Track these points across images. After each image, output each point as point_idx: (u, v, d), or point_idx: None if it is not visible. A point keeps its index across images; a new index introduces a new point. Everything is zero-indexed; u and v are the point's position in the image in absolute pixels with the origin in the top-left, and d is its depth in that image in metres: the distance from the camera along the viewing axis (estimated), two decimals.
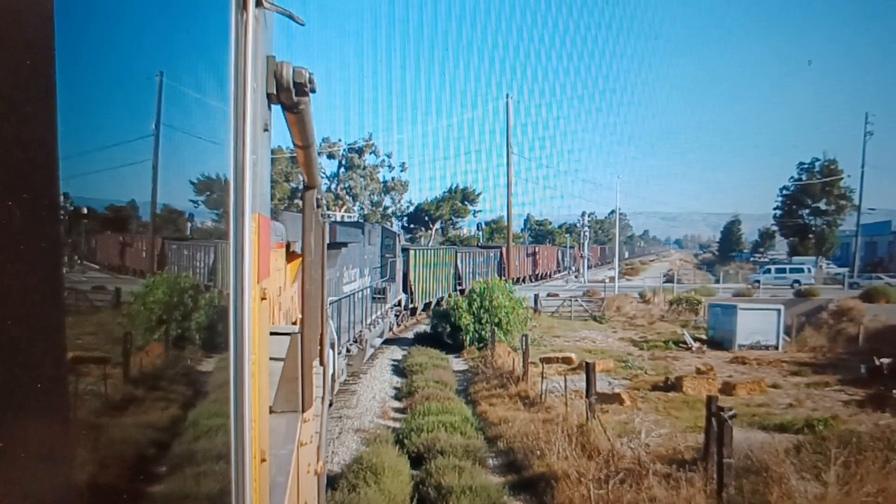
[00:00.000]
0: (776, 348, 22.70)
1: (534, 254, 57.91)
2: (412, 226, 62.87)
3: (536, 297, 33.19)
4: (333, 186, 56.27)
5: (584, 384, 11.68)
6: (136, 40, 1.21)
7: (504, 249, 45.48)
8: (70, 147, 0.89)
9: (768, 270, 50.03)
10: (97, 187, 1.10)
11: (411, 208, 62.57)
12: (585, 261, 61.46)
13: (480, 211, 66.17)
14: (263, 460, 1.60)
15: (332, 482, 8.39)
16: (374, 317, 18.28)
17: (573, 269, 68.11)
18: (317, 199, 2.64)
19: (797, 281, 45.17)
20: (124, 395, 1.20)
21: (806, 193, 59.46)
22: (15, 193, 0.79)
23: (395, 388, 15.71)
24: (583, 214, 63.86)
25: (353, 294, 15.01)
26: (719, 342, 23.46)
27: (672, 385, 16.15)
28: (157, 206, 1.34)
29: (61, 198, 0.90)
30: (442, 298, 28.08)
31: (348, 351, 14.84)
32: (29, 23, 0.80)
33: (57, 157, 0.85)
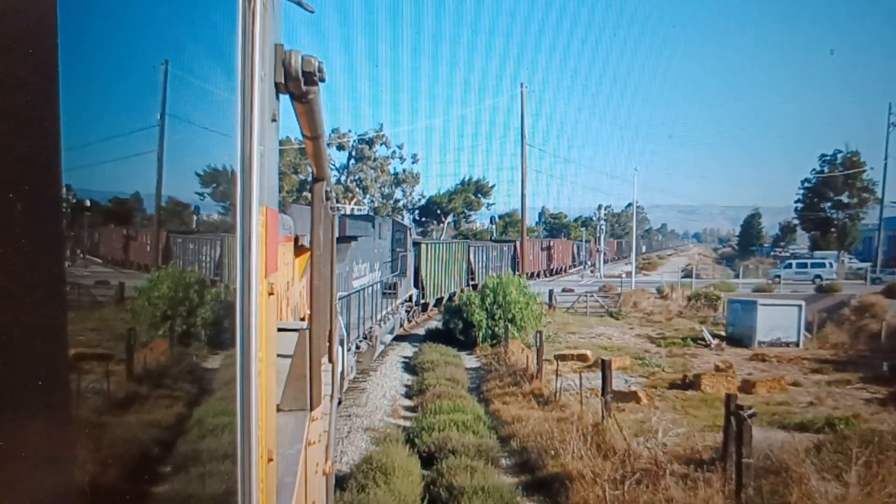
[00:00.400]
0: (797, 345, 22.42)
1: (549, 248, 57.62)
2: (424, 219, 62.66)
3: (551, 292, 33.08)
4: (343, 178, 56.18)
5: (599, 382, 11.60)
6: (140, 28, 1.18)
7: (518, 243, 45.34)
8: (73, 138, 0.87)
9: (789, 265, 49.46)
10: (101, 179, 1.08)
11: (423, 201, 62.23)
12: (601, 255, 61.17)
13: (494, 204, 65.83)
14: (270, 460, 1.58)
15: (341, 482, 8.41)
16: (384, 313, 18.28)
17: (589, 263, 67.78)
18: (326, 191, 2.61)
19: (818, 276, 44.59)
20: (128, 392, 1.18)
21: (828, 186, 58.60)
22: (17, 186, 0.77)
23: (406, 386, 15.70)
24: (599, 207, 63.52)
25: (363, 289, 15.02)
26: (739, 339, 23.23)
27: (690, 383, 16.02)
28: (162, 199, 1.31)
29: (64, 190, 0.88)
30: (454, 294, 28.05)
31: (358, 348, 14.85)
32: (31, 10, 0.78)
33: (60, 149, 0.83)
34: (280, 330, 2.23)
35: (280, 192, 2.16)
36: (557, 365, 15.00)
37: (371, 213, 30.76)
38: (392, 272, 20.37)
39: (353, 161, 57.22)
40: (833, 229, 59.23)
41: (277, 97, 1.66)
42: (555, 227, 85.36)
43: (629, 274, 46.23)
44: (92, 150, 1.01)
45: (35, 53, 0.78)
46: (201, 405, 1.44)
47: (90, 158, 1.02)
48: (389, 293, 18.98)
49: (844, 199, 58.47)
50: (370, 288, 15.98)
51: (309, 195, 2.66)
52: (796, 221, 68.90)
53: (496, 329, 20.66)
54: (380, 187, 58.24)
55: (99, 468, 1.01)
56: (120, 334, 1.17)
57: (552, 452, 9.54)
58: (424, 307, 27.41)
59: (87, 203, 1.06)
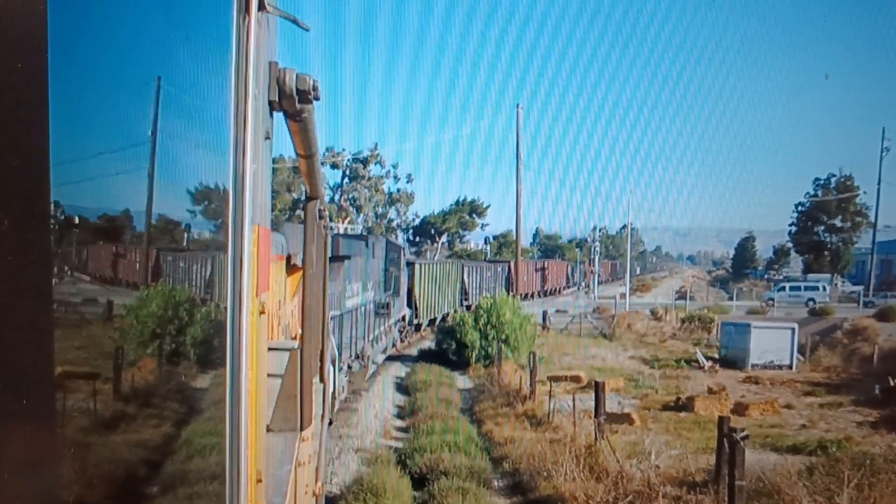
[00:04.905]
0: (790, 368, 22.41)
1: (543, 269, 57.63)
2: (418, 239, 62.55)
3: (545, 313, 33.00)
4: (337, 197, 56.10)
5: (592, 403, 11.53)
6: (133, 44, 1.18)
7: (512, 264, 45.33)
8: (62, 154, 0.86)
9: (782, 288, 49.57)
10: (90, 196, 1.07)
11: (417, 221, 62.16)
12: (596, 277, 61.16)
13: (488, 224, 65.90)
14: (259, 481, 1.55)
15: None
16: (377, 332, 18.16)
17: (583, 284, 67.77)
18: (319, 210, 2.61)
19: (812, 299, 44.66)
20: (115, 412, 1.16)
21: (821, 210, 59.01)
22: (3, 201, 0.76)
23: (398, 407, 15.58)
24: (593, 229, 63.55)
25: (356, 309, 14.94)
26: (732, 361, 23.19)
27: (683, 405, 15.96)
28: (153, 216, 1.30)
29: (52, 206, 0.87)
30: (447, 314, 27.95)
31: (350, 367, 14.73)
32: (22, 25, 0.77)
33: (48, 164, 0.82)
34: (271, 349, 2.21)
35: (273, 210, 2.16)
36: (551, 386, 14.92)
37: (365, 233, 30.74)
38: (385, 292, 20.28)
39: (347, 180, 57.25)
40: (826, 253, 59.57)
41: (271, 115, 1.66)
42: (549, 248, 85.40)
43: (623, 296, 46.15)
44: (82, 166, 1.00)
45: (25, 69, 0.78)
46: (190, 425, 1.41)
47: (80, 174, 1.01)
48: (382, 313, 18.89)
49: (838, 222, 58.88)
50: (363, 308, 15.90)
51: (302, 214, 2.65)
52: (790, 245, 69.20)
53: (489, 350, 20.55)
54: (374, 206, 58.26)
55: (84, 489, 0.99)
56: (108, 352, 1.16)
57: (545, 474, 9.45)
58: (417, 327, 27.27)
59: (76, 219, 1.05)
